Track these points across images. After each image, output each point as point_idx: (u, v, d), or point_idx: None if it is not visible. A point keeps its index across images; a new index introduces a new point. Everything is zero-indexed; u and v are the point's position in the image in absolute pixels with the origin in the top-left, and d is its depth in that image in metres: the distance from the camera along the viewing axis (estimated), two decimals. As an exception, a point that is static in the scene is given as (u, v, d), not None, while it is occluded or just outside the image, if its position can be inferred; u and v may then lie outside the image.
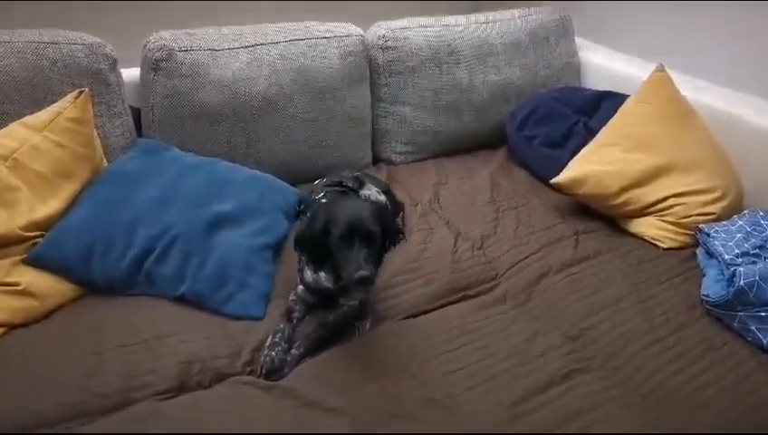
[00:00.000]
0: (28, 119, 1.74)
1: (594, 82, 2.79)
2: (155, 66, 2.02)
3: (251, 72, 2.12)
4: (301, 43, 2.23)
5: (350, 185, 1.97)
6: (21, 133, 1.69)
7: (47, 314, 1.59)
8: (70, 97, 1.77)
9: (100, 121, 1.95)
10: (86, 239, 1.66)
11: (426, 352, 1.62)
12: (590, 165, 2.19)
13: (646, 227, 2.10)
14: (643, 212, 2.11)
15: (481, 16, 2.62)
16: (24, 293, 1.55)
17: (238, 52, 2.12)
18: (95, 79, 1.92)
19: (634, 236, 2.12)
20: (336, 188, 1.95)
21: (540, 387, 1.53)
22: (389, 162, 2.54)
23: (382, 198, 2.00)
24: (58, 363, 1.46)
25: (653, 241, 2.07)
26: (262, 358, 1.55)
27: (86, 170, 1.78)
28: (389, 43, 2.42)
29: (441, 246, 2.01)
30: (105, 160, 1.90)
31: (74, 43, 1.89)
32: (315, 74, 2.24)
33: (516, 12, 2.71)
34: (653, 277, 1.91)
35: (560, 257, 1.99)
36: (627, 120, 2.27)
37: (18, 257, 1.60)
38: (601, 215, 2.19)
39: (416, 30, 2.47)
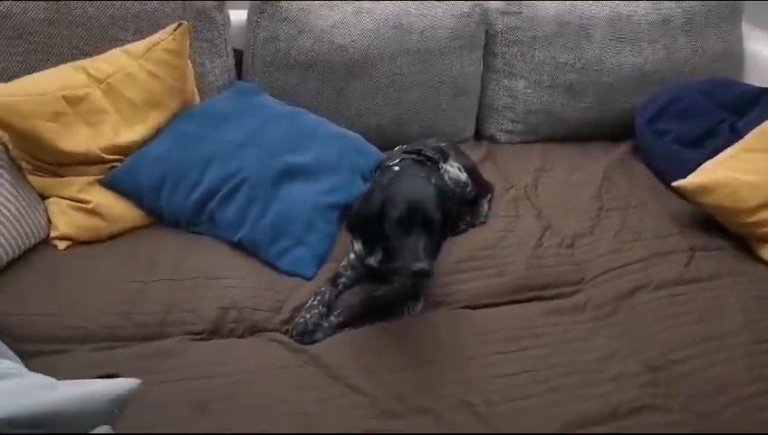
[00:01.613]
0: (130, 46, 1.78)
1: (759, 79, 2.35)
2: (260, 8, 1.99)
3: (352, 24, 2.02)
4: (409, 2, 2.08)
5: (430, 155, 1.82)
6: (120, 60, 1.74)
7: (113, 236, 1.64)
8: (169, 29, 1.78)
9: (199, 58, 1.96)
10: (160, 171, 1.68)
11: (476, 348, 1.46)
12: (726, 171, 1.84)
13: (784, 255, 1.74)
14: (783, 237, 1.75)
15: (625, -12, 2.30)
16: (93, 212, 1.61)
17: (343, 3, 2.03)
18: (200, 15, 1.93)
19: (766, 263, 1.76)
20: (414, 156, 1.81)
21: (600, 416, 1.32)
22: (493, 140, 2.33)
23: (463, 176, 1.82)
24: (107, 285, 1.50)
25: (789, 274, 1.71)
26: (297, 318, 1.48)
27: (175, 103, 1.79)
28: (512, 8, 2.19)
29: (524, 236, 1.81)
30: (198, 96, 1.91)
31: (187, -18, 1.90)
32: (422, 34, 2.09)
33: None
34: (778, 317, 1.57)
35: (664, 273, 1.70)
36: (784, 126, 1.88)
37: (95, 177, 1.66)
38: (729, 232, 1.84)
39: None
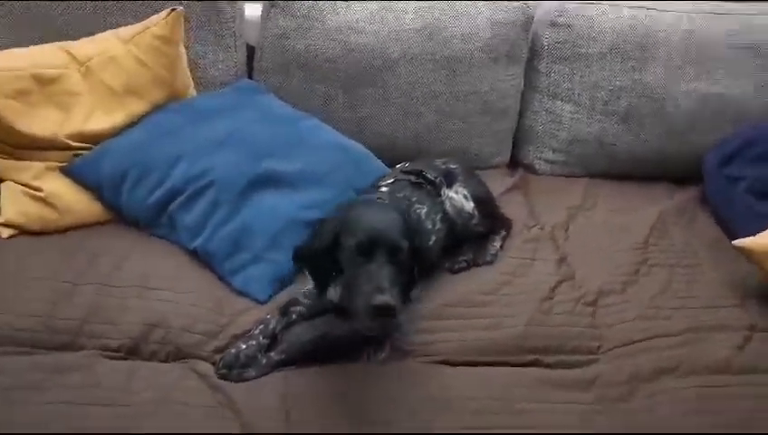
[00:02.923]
0: (122, 29, 1.66)
1: None
2: (272, 3, 1.81)
3: (372, 23, 1.80)
4: (443, 2, 1.84)
5: (431, 178, 1.55)
6: (107, 42, 1.62)
7: (65, 230, 1.49)
8: (163, 13, 1.64)
9: (202, 50, 1.81)
10: (125, 163, 1.52)
11: (437, 414, 1.17)
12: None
13: None
14: None
15: (706, 5, 1.93)
16: (45, 201, 1.47)
17: (366, 2, 1.82)
18: (206, 5, 1.78)
19: None
20: (412, 177, 1.55)
21: None
22: (530, 169, 2.02)
23: (469, 205, 1.54)
24: (39, 282, 1.33)
25: None
26: (230, 348, 1.25)
27: (160, 93, 1.64)
28: (562, 20, 1.89)
29: (534, 284, 1.49)
30: (194, 90, 1.76)
31: (197, -33, 1.77)
32: (450, 39, 1.83)
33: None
34: None
35: (706, 354, 1.34)
36: None
37: (55, 164, 1.52)
38: (807, 313, 1.43)
39: (604, 9, 1.90)
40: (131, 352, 1.25)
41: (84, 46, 1.60)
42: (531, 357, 1.33)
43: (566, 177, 2.00)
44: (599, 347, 1.36)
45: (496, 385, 1.25)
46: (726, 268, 1.59)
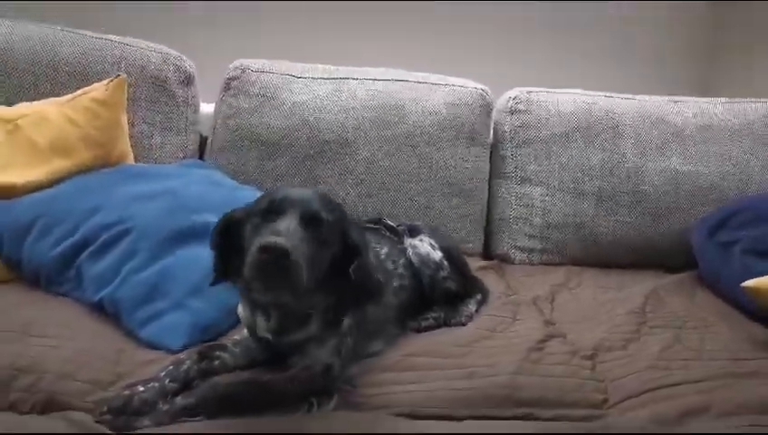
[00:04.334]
0: (62, 98, 1.58)
1: None
2: (225, 86, 1.79)
3: (327, 100, 1.76)
4: (399, 83, 1.83)
5: (392, 225, 1.37)
6: (42, 105, 1.53)
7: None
8: (106, 81, 1.58)
9: (148, 129, 1.73)
10: (33, 213, 1.32)
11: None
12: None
13: None
14: None
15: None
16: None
17: (321, 82, 1.80)
18: (157, 87, 1.74)
19: None
20: (371, 225, 1.37)
21: None
22: (506, 259, 1.83)
23: (436, 255, 1.33)
24: None
25: None
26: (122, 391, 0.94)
27: (89, 154, 1.50)
28: (520, 106, 1.87)
29: (518, 340, 1.22)
30: (132, 159, 1.62)
31: (150, 50, 1.76)
32: (407, 117, 1.78)
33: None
34: None
35: (743, 396, 1.04)
36: None
37: (-48, 215, 1.32)
38: None
39: (562, 95, 1.90)
40: (-14, 399, 0.92)
41: (20, 109, 1.51)
42: (521, 411, 1.02)
43: (543, 265, 1.81)
44: (604, 401, 1.06)
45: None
46: (743, 328, 1.35)
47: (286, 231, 0.90)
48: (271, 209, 0.95)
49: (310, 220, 0.94)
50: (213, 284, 1.06)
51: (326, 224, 0.96)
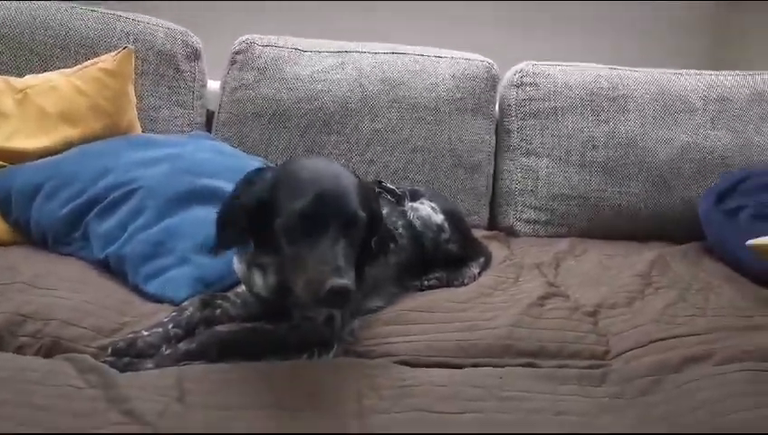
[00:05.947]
0: (73, 68, 1.60)
1: None
2: (231, 60, 1.80)
3: (333, 73, 1.77)
4: (405, 56, 1.83)
5: (392, 187, 1.38)
6: (51, 75, 1.56)
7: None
8: (114, 52, 1.60)
9: (156, 102, 1.75)
10: (41, 175, 1.34)
11: (395, 401, 0.84)
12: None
13: None
14: None
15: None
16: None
17: (327, 55, 1.81)
18: (164, 60, 1.76)
19: None
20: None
21: None
22: (511, 232, 1.82)
23: (438, 217, 1.34)
24: None
25: None
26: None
27: (98, 123, 1.53)
28: (526, 79, 1.87)
29: (519, 296, 1.22)
30: (140, 130, 1.64)
31: (158, 26, 1.78)
32: (413, 89, 1.78)
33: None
34: None
35: (745, 344, 1.03)
36: None
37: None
38: None
39: (569, 67, 1.90)
40: (-8, 343, 0.94)
41: (27, 79, 1.54)
42: (522, 360, 1.02)
43: (548, 237, 1.80)
44: (605, 353, 1.06)
45: (477, 375, 0.94)
46: (749, 289, 1.34)
47: (342, 259, 0.86)
48: (308, 214, 0.90)
49: (349, 224, 0.91)
50: (213, 254, 1.02)
51: (362, 223, 0.94)
